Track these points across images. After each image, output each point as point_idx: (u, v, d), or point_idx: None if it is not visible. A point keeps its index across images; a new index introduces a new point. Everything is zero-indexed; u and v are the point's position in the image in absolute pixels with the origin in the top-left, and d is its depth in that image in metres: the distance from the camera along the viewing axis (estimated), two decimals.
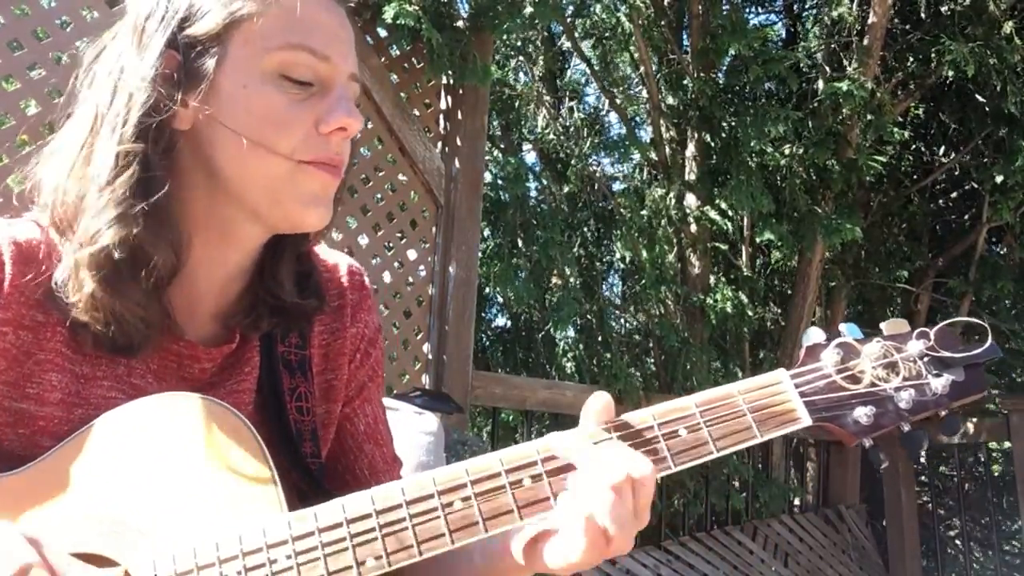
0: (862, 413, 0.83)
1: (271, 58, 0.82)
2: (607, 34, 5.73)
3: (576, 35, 6.03)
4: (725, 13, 4.66)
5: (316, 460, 0.93)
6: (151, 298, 0.81)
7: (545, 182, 6.31)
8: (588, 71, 6.22)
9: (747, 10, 6.19)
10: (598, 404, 0.81)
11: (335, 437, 1.00)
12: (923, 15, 5.51)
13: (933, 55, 5.12)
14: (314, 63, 0.83)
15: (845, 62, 5.12)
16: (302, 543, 0.72)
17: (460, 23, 3.62)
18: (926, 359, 0.85)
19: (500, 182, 4.74)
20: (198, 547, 0.73)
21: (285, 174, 0.82)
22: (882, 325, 0.87)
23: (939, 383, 0.83)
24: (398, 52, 3.61)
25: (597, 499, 0.74)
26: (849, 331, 0.86)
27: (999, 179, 5.20)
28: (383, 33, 3.51)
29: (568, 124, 6.28)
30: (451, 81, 3.72)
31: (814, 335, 0.86)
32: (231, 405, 0.79)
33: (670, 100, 5.38)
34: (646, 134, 6.30)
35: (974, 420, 5.68)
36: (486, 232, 4.95)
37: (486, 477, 0.76)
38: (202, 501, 0.75)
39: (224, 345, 0.89)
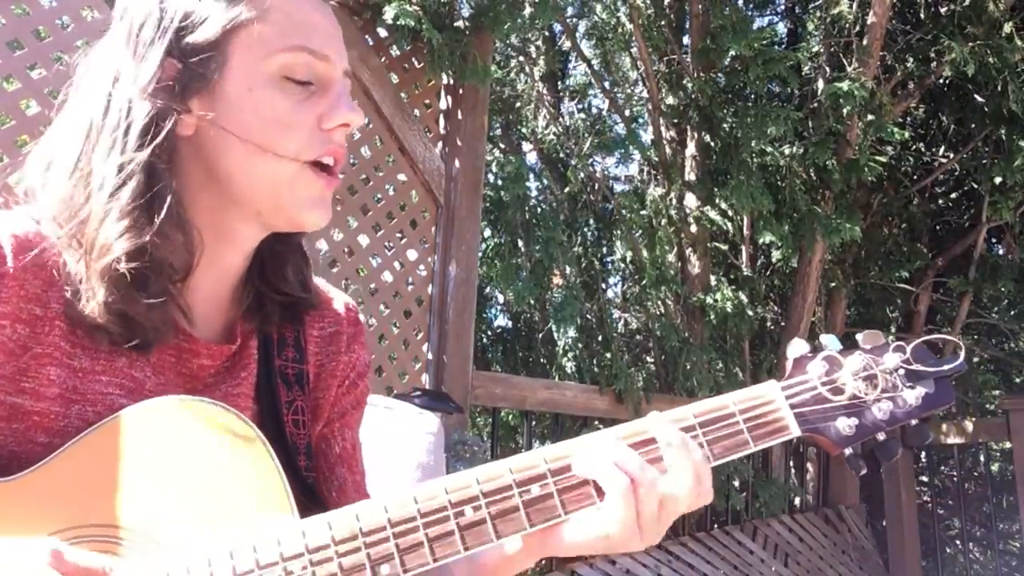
0: (845, 424, 0.88)
1: (272, 61, 0.84)
2: (608, 34, 5.73)
3: (576, 35, 6.03)
4: (726, 13, 4.66)
5: (311, 474, 0.93)
6: (167, 299, 0.82)
7: (545, 182, 6.31)
8: (588, 71, 6.22)
9: (747, 12, 6.18)
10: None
11: None
12: (923, 15, 5.52)
13: (933, 55, 5.12)
14: (313, 63, 0.86)
15: (845, 62, 5.12)
16: (318, 555, 0.73)
17: (460, 23, 3.62)
18: (901, 372, 0.90)
19: (500, 182, 4.73)
20: (212, 557, 0.73)
21: (289, 177, 0.85)
22: (859, 336, 0.93)
23: (912, 395, 0.89)
24: (398, 52, 3.61)
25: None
26: (831, 343, 0.92)
27: (998, 179, 5.20)
28: (383, 33, 3.51)
29: (568, 124, 6.27)
30: (451, 81, 3.72)
31: (799, 347, 0.92)
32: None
33: (670, 100, 5.38)
34: (646, 134, 6.30)
35: (974, 420, 5.68)
36: (486, 232, 4.95)
37: (497, 489, 0.79)
38: (214, 509, 0.75)
39: (225, 345, 0.90)
